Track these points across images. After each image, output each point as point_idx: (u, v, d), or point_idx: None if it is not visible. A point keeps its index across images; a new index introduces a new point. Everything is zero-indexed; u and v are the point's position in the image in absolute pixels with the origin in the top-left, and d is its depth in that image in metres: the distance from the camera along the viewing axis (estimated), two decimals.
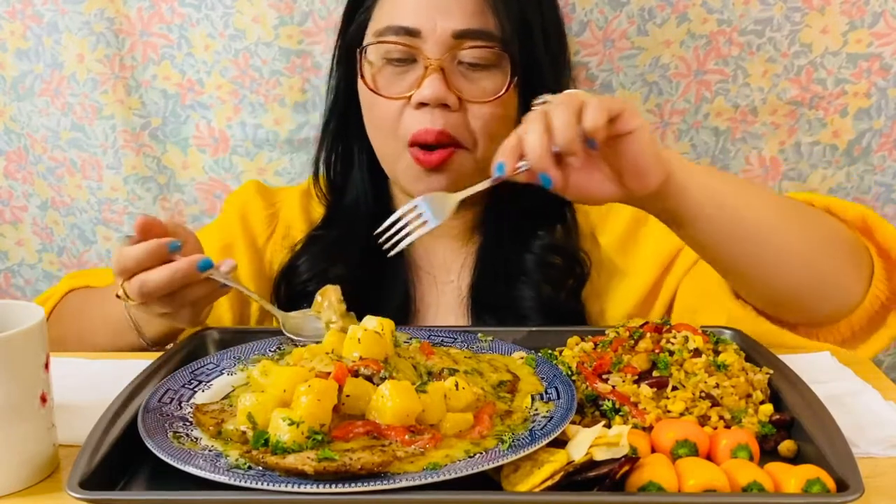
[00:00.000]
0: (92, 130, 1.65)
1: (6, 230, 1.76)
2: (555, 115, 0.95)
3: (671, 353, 0.94)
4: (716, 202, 1.05)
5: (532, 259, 1.31)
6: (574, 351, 1.02)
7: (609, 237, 1.35)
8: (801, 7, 1.58)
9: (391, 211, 1.14)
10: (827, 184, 1.66)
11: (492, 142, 1.22)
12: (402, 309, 1.32)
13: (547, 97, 1.01)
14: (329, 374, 0.84)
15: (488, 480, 0.79)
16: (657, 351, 0.95)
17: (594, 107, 0.94)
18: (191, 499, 0.76)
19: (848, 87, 1.61)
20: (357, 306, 1.10)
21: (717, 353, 0.96)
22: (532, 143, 0.95)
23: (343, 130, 1.39)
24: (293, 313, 1.09)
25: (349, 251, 1.33)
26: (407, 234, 1.02)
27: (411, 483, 0.74)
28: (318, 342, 0.95)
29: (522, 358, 1.00)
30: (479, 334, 1.07)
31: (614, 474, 0.76)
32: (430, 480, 0.74)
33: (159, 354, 1.03)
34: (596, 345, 1.01)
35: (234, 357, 1.01)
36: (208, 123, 1.67)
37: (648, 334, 0.98)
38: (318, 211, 1.43)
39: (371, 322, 0.93)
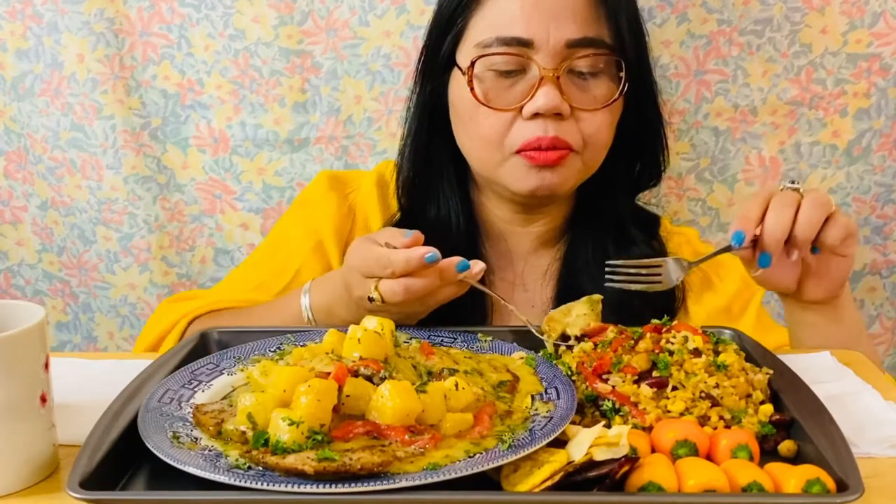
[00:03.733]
0: (92, 130, 1.66)
1: (6, 230, 1.76)
2: (806, 210, 1.06)
3: (671, 353, 0.94)
4: (845, 326, 1.21)
5: None
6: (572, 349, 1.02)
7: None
8: (801, 7, 1.58)
9: (479, 224, 1.34)
10: (827, 184, 1.66)
11: (599, 146, 1.26)
12: (479, 315, 1.31)
13: (800, 185, 1.10)
14: (329, 374, 0.84)
15: (488, 480, 0.79)
16: (657, 351, 0.95)
17: (840, 224, 1.08)
18: (191, 499, 0.76)
19: (848, 87, 1.61)
20: (434, 313, 1.13)
21: (716, 353, 0.96)
22: (776, 228, 1.06)
23: (430, 144, 1.35)
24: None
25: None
26: (632, 282, 1.11)
27: (411, 483, 0.74)
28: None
29: (522, 358, 1.00)
30: (479, 334, 1.07)
31: (614, 474, 0.76)
32: (429, 480, 0.74)
33: (159, 354, 1.03)
34: (596, 345, 1.01)
35: (234, 357, 1.01)
36: (208, 123, 1.67)
37: (648, 334, 0.98)
38: (395, 205, 1.41)
39: (371, 322, 0.93)
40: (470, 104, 1.24)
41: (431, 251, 1.04)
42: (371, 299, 1.05)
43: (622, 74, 1.23)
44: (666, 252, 1.37)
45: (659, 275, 1.10)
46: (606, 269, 1.12)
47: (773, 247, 1.08)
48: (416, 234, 1.07)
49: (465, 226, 1.34)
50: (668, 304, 1.31)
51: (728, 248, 1.09)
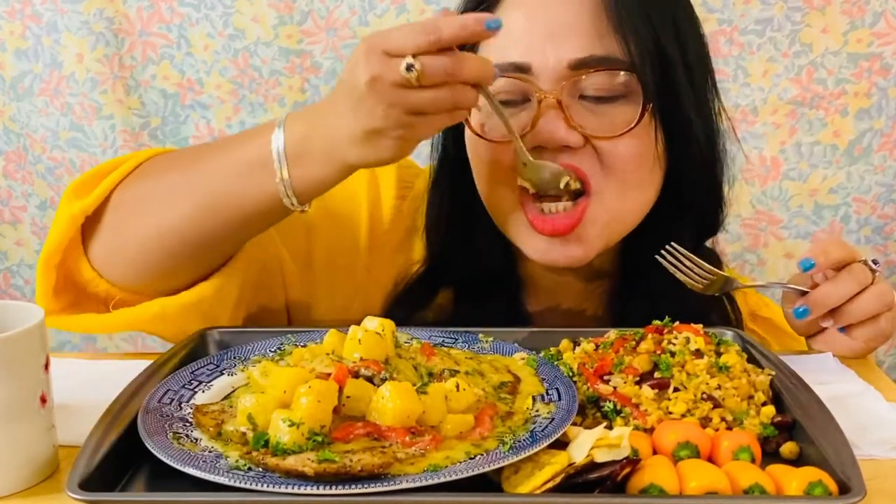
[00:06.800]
0: (91, 130, 1.65)
1: (5, 230, 1.76)
2: (868, 299, 1.05)
3: (673, 355, 0.94)
4: None
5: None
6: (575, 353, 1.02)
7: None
8: (802, 7, 1.58)
9: (519, 276, 1.19)
10: (827, 184, 1.66)
11: (627, 185, 1.08)
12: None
13: (879, 268, 1.07)
14: (329, 375, 0.84)
15: (489, 482, 0.78)
16: (658, 352, 0.95)
17: (880, 327, 1.07)
18: (190, 500, 0.76)
19: (848, 86, 1.62)
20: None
21: (718, 354, 0.96)
22: (833, 297, 1.05)
23: (455, 192, 1.17)
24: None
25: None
26: (681, 271, 1.09)
27: (411, 485, 0.74)
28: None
29: (523, 359, 0.99)
30: (480, 335, 1.06)
31: (615, 476, 0.76)
32: (430, 482, 0.74)
33: (159, 355, 1.03)
34: (597, 346, 1.01)
35: (234, 357, 1.01)
36: (208, 123, 1.67)
37: (650, 335, 0.98)
38: None
39: (371, 323, 0.93)
40: (473, 142, 1.10)
41: (488, 16, 0.87)
42: (410, 67, 0.85)
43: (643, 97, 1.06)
44: (738, 310, 1.23)
45: (706, 280, 1.09)
46: (667, 247, 1.08)
47: (817, 310, 1.06)
48: (447, 12, 0.91)
49: (507, 279, 1.19)
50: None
51: (799, 274, 1.09)
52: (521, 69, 1.06)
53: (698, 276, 1.09)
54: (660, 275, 1.12)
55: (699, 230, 1.18)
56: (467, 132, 1.12)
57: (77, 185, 1.12)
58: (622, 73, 1.05)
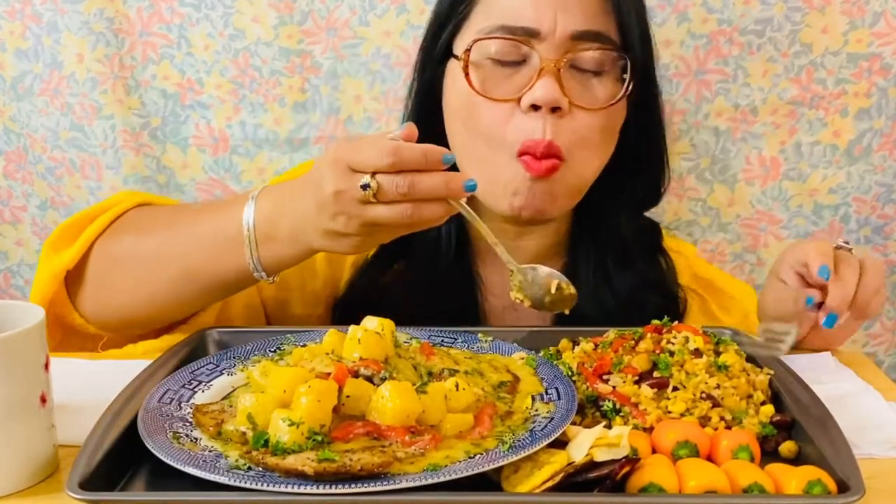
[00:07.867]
0: (91, 130, 1.65)
1: (6, 230, 1.76)
2: (869, 281, 1.07)
3: (672, 354, 0.94)
4: None
5: (625, 294, 1.26)
6: (574, 352, 1.02)
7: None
8: (802, 7, 1.58)
9: (470, 239, 1.27)
10: (827, 184, 1.66)
11: (590, 151, 1.19)
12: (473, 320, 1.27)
13: (851, 247, 1.12)
14: (329, 374, 0.84)
15: (488, 481, 0.79)
16: (658, 351, 0.95)
17: (883, 295, 1.10)
18: (190, 500, 0.76)
19: (848, 86, 1.61)
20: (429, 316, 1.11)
21: (717, 353, 0.96)
22: (848, 291, 1.06)
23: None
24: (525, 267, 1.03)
25: (431, 289, 1.25)
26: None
27: (411, 484, 0.74)
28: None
29: (523, 358, 1.00)
30: (480, 334, 1.07)
31: (615, 475, 0.76)
32: (429, 481, 0.74)
33: (159, 355, 1.03)
34: (596, 345, 1.01)
35: (234, 357, 1.01)
36: (208, 123, 1.66)
37: (649, 335, 0.98)
38: None
39: (371, 322, 0.93)
40: (466, 95, 1.17)
41: (447, 151, 0.93)
42: (365, 186, 0.91)
43: (626, 76, 1.18)
44: (673, 267, 1.35)
45: (786, 343, 1.06)
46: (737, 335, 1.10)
47: (842, 310, 1.07)
48: (410, 127, 0.96)
49: (457, 242, 1.28)
50: (674, 312, 1.28)
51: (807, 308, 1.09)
52: (530, 34, 1.16)
53: (778, 343, 1.06)
54: (604, 249, 1.28)
55: (641, 200, 1.33)
56: (464, 90, 1.17)
57: (55, 237, 1.19)
58: (615, 51, 1.17)
